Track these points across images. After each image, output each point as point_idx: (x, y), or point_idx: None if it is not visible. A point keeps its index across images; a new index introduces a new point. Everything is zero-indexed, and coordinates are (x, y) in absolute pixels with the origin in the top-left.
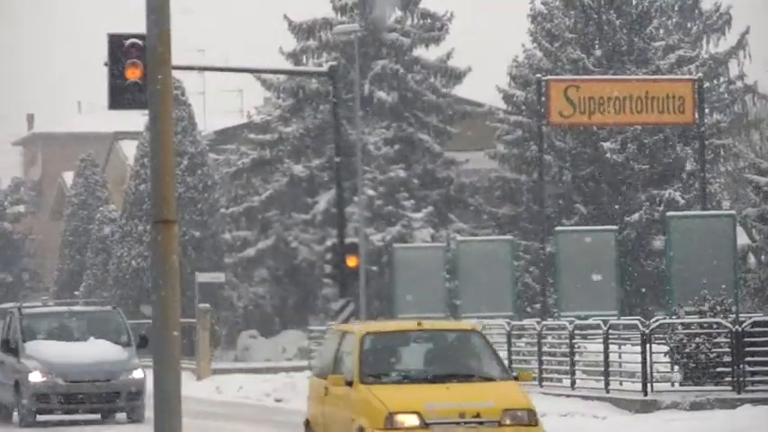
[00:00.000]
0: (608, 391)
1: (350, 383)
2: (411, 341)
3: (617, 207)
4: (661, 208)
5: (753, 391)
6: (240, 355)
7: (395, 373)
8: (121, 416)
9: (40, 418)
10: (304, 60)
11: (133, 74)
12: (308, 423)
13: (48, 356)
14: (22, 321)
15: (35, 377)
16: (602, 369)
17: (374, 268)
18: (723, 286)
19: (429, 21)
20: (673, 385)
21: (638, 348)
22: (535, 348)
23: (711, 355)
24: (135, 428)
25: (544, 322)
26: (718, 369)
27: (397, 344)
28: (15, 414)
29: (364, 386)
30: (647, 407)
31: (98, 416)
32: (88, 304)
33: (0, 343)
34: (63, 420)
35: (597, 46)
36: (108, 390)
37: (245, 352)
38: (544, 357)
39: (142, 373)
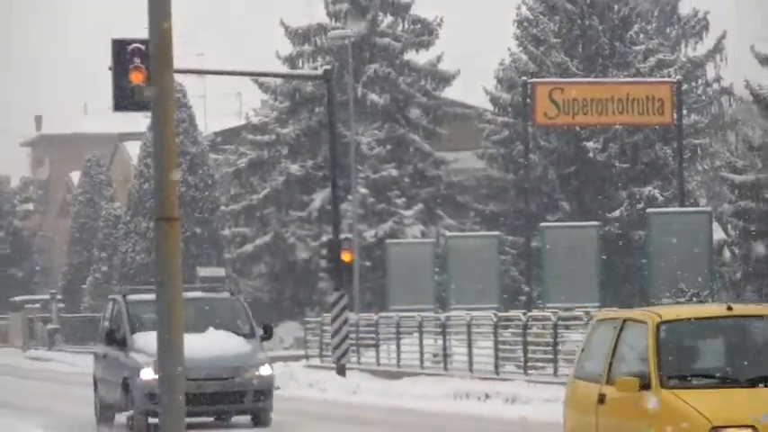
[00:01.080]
0: None
1: (645, 387)
2: (720, 331)
3: (599, 204)
4: (641, 205)
5: None
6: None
7: (706, 374)
8: (241, 418)
9: (152, 421)
10: (300, 64)
11: (136, 77)
12: None
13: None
14: (128, 310)
15: (147, 374)
16: None
17: (367, 263)
18: (699, 279)
19: (419, 26)
20: None
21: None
22: (520, 338)
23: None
24: None
25: (529, 314)
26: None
27: (704, 334)
28: (119, 416)
29: (667, 391)
30: None
31: (211, 418)
32: (204, 290)
33: (105, 335)
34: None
35: (580, 50)
36: (231, 389)
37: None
38: (529, 347)
39: (270, 370)
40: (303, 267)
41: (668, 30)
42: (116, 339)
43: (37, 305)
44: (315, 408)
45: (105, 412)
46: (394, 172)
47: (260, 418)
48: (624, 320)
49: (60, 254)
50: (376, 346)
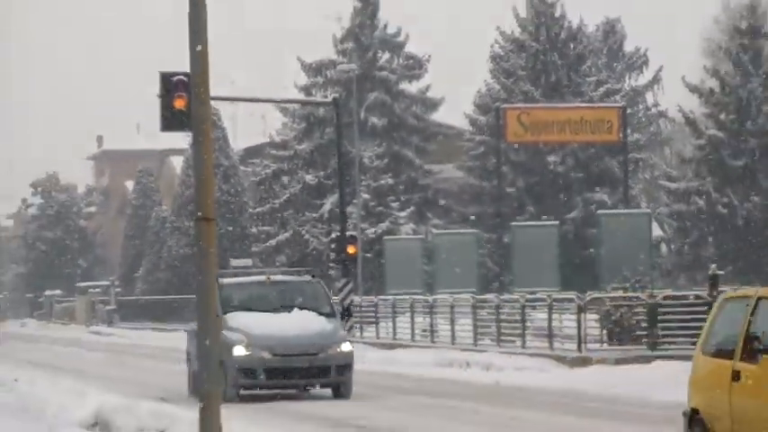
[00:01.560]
0: (552, 350)
1: None
2: None
3: (559, 207)
4: (593, 207)
5: (663, 349)
6: None
7: None
8: (321, 391)
9: (243, 393)
10: (313, 93)
11: (180, 104)
12: (694, 413)
13: (251, 328)
14: (220, 291)
15: (239, 351)
16: (547, 333)
17: (368, 255)
18: (641, 268)
19: (411, 62)
20: (601, 345)
21: (575, 316)
22: (494, 317)
23: (632, 322)
24: (339, 405)
25: (501, 296)
26: (637, 332)
27: None
28: None
29: None
30: (582, 362)
31: (293, 391)
32: (286, 273)
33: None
34: (261, 396)
35: (543, 81)
36: (317, 364)
37: None
38: (501, 324)
39: (351, 347)
40: (316, 258)
41: (615, 64)
42: None
43: (98, 290)
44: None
45: (197, 383)
46: (390, 181)
47: (341, 390)
48: (758, 299)
49: (117, 248)
50: (375, 323)
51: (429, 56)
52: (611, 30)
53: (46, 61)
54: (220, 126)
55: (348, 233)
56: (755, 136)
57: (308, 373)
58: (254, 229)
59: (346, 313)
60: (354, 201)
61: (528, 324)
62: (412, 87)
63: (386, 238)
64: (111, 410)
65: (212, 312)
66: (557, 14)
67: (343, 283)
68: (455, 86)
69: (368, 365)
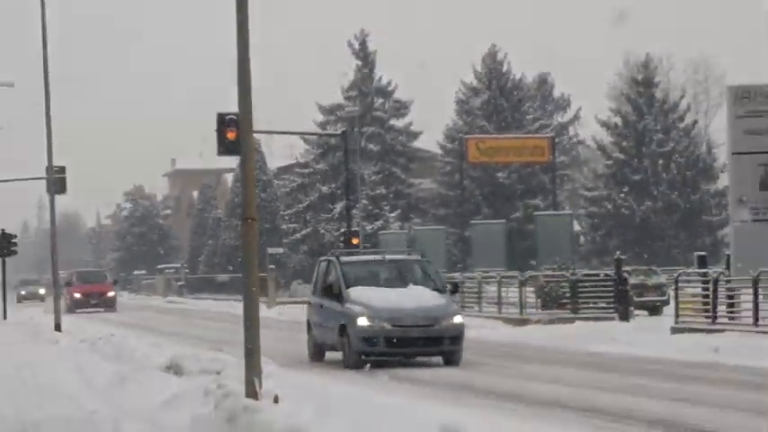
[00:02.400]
0: (500, 314)
1: None
2: None
3: (506, 209)
4: (530, 210)
5: (583, 313)
6: (292, 294)
7: None
8: (433, 359)
9: (365, 359)
10: (327, 127)
11: (231, 135)
12: None
13: (372, 301)
14: (342, 269)
15: (362, 321)
16: (497, 301)
17: (367, 245)
18: (565, 254)
19: (398, 104)
20: (537, 310)
21: (518, 289)
22: (459, 289)
23: (559, 293)
24: (452, 371)
25: (464, 275)
26: (562, 301)
27: None
28: (328, 354)
29: None
30: (522, 322)
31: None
32: (395, 253)
33: (322, 289)
34: (376, 362)
35: (494, 118)
36: (432, 334)
37: (295, 292)
38: (464, 295)
39: (461, 318)
40: (329, 248)
41: (546, 106)
42: (332, 292)
43: (172, 270)
44: None
45: (318, 349)
46: (383, 191)
47: (452, 358)
48: None
49: (185, 240)
50: None
51: (412, 100)
52: (543, 81)
53: (138, 98)
54: (260, 151)
55: (353, 229)
56: (648, 158)
57: (423, 343)
58: (284, 226)
59: (453, 289)
60: (357, 205)
61: (483, 295)
62: (399, 123)
63: (380, 232)
64: (182, 357)
65: (253, 284)
66: (504, 70)
67: None
68: (430, 122)
69: None
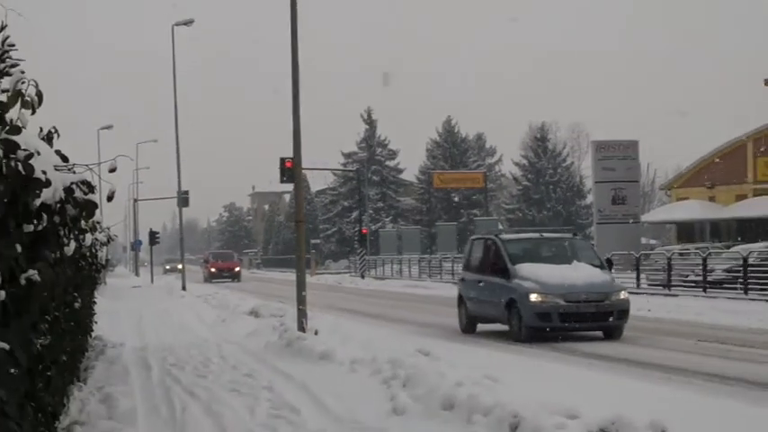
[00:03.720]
0: (454, 279)
1: None
2: None
3: (457, 217)
4: (472, 217)
5: None
6: (326, 267)
7: None
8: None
9: (534, 334)
10: (347, 165)
11: (288, 166)
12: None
13: (543, 277)
14: (505, 245)
15: (535, 297)
16: (452, 272)
17: (372, 238)
18: None
19: (391, 151)
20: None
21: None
22: (427, 266)
23: None
24: (612, 345)
25: (432, 256)
26: None
27: None
28: (481, 326)
29: None
30: None
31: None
32: (552, 232)
33: (480, 265)
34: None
35: (449, 161)
36: (602, 309)
37: (327, 267)
38: (431, 269)
39: (626, 294)
40: (350, 240)
41: (481, 152)
42: (496, 269)
43: (252, 253)
44: (350, 286)
45: (471, 322)
46: (381, 204)
47: (614, 333)
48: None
49: (260, 235)
50: (375, 268)
51: (399, 149)
52: (479, 137)
53: (228, 136)
54: (305, 179)
55: (363, 227)
56: (543, 185)
57: (593, 317)
58: (320, 226)
59: (609, 265)
60: (365, 214)
61: (444, 267)
62: (391, 163)
63: (380, 230)
64: (260, 306)
65: (303, 267)
66: (455, 131)
67: (360, 250)
68: (410, 162)
69: (371, 286)
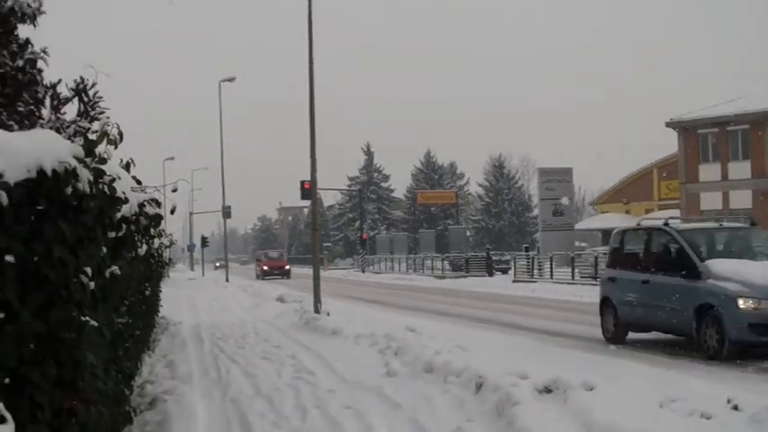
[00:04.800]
0: (433, 273)
1: None
2: None
3: (436, 224)
4: (447, 225)
5: (471, 274)
6: (335, 265)
7: None
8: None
9: (740, 351)
10: (351, 186)
11: (307, 187)
12: None
13: (752, 278)
14: (686, 238)
15: (746, 303)
16: (432, 268)
17: (370, 242)
18: (463, 245)
19: (384, 175)
20: (451, 271)
21: (441, 263)
22: (413, 263)
23: (460, 263)
24: None
25: (416, 255)
26: (462, 267)
27: None
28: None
29: None
30: (443, 277)
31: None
32: (726, 221)
33: (661, 261)
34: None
35: (429, 182)
36: None
37: (336, 265)
38: (416, 264)
39: None
40: (353, 243)
41: (453, 177)
42: (676, 266)
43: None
44: (354, 278)
45: (623, 331)
46: (377, 216)
47: None
48: None
49: (285, 239)
50: (373, 264)
51: (390, 174)
52: (452, 165)
53: (255, 158)
54: (319, 197)
55: (364, 233)
56: (501, 201)
57: None
58: (331, 233)
59: None
60: (365, 224)
61: (426, 264)
62: (385, 184)
63: (377, 236)
64: (284, 294)
65: (318, 264)
66: (434, 160)
67: (362, 251)
68: (401, 183)
69: (375, 279)
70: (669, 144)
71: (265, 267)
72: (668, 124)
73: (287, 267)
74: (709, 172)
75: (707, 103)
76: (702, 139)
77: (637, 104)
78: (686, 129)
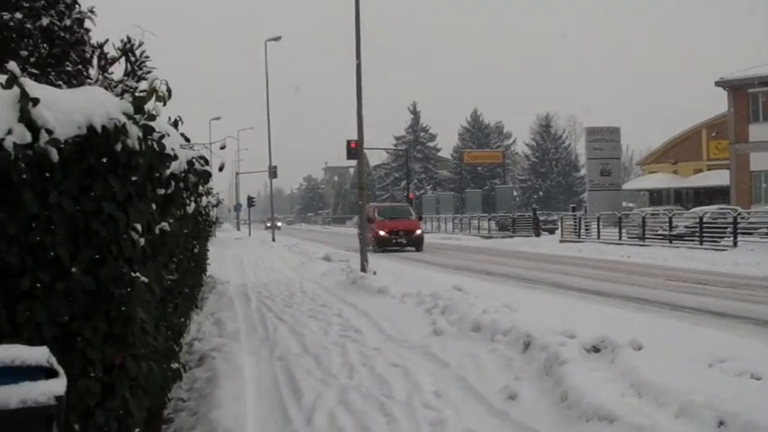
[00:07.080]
0: (479, 233)
1: None
2: None
3: (483, 184)
4: (494, 185)
5: (517, 234)
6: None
7: None
8: None
9: None
10: (397, 145)
11: (353, 146)
12: None
13: None
14: None
15: None
16: (478, 227)
17: (416, 201)
18: (510, 206)
19: (430, 134)
20: (498, 231)
21: (487, 223)
22: (467, 222)
23: (507, 223)
24: None
25: (461, 215)
26: (508, 227)
27: None
28: None
29: None
30: (490, 236)
31: None
32: None
33: None
34: None
35: (476, 142)
36: None
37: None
38: (464, 224)
39: None
40: (401, 201)
41: (500, 136)
42: None
43: (324, 213)
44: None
45: None
46: (423, 176)
47: None
48: None
49: (330, 199)
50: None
51: (437, 133)
52: (498, 124)
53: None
54: (366, 156)
55: (410, 193)
56: (547, 161)
57: None
58: (377, 193)
59: None
60: (411, 183)
61: (472, 224)
62: (431, 144)
63: (423, 196)
64: (330, 253)
65: (365, 224)
66: (480, 119)
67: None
68: (447, 142)
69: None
70: (719, 104)
71: (382, 233)
72: (717, 83)
73: (418, 232)
74: (759, 132)
75: (758, 62)
76: (753, 98)
77: (688, 64)
78: (736, 88)
